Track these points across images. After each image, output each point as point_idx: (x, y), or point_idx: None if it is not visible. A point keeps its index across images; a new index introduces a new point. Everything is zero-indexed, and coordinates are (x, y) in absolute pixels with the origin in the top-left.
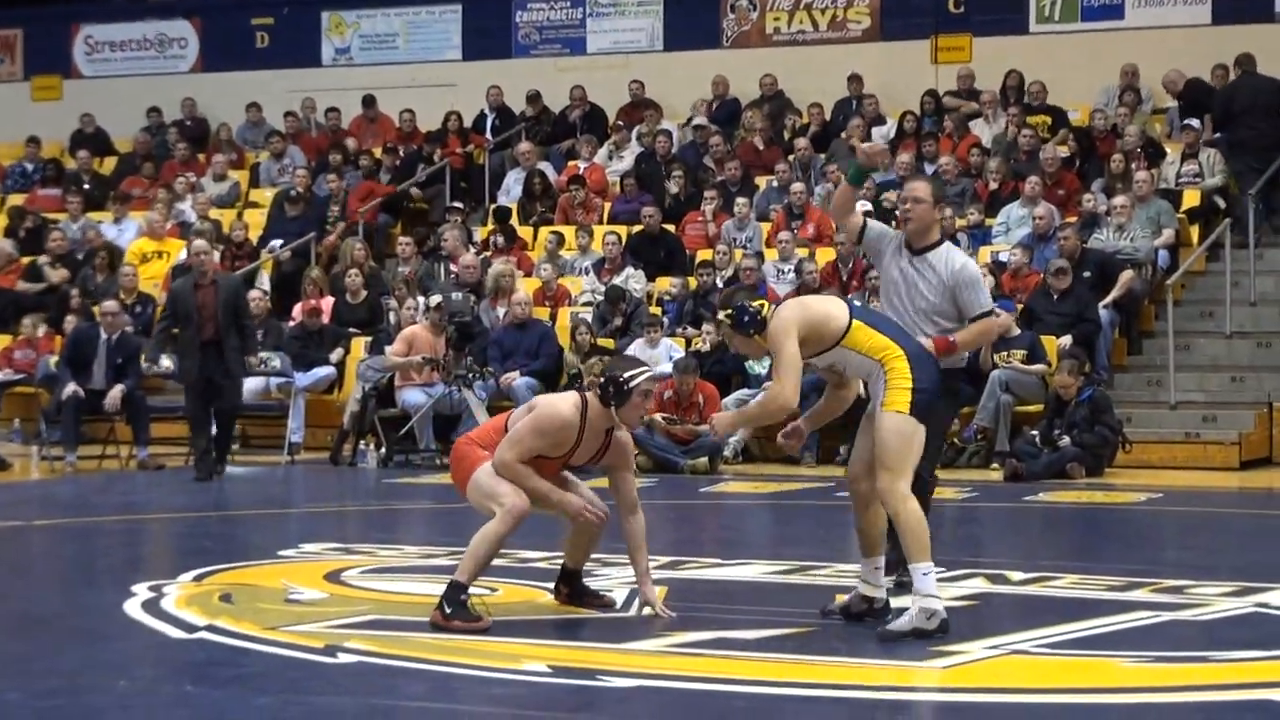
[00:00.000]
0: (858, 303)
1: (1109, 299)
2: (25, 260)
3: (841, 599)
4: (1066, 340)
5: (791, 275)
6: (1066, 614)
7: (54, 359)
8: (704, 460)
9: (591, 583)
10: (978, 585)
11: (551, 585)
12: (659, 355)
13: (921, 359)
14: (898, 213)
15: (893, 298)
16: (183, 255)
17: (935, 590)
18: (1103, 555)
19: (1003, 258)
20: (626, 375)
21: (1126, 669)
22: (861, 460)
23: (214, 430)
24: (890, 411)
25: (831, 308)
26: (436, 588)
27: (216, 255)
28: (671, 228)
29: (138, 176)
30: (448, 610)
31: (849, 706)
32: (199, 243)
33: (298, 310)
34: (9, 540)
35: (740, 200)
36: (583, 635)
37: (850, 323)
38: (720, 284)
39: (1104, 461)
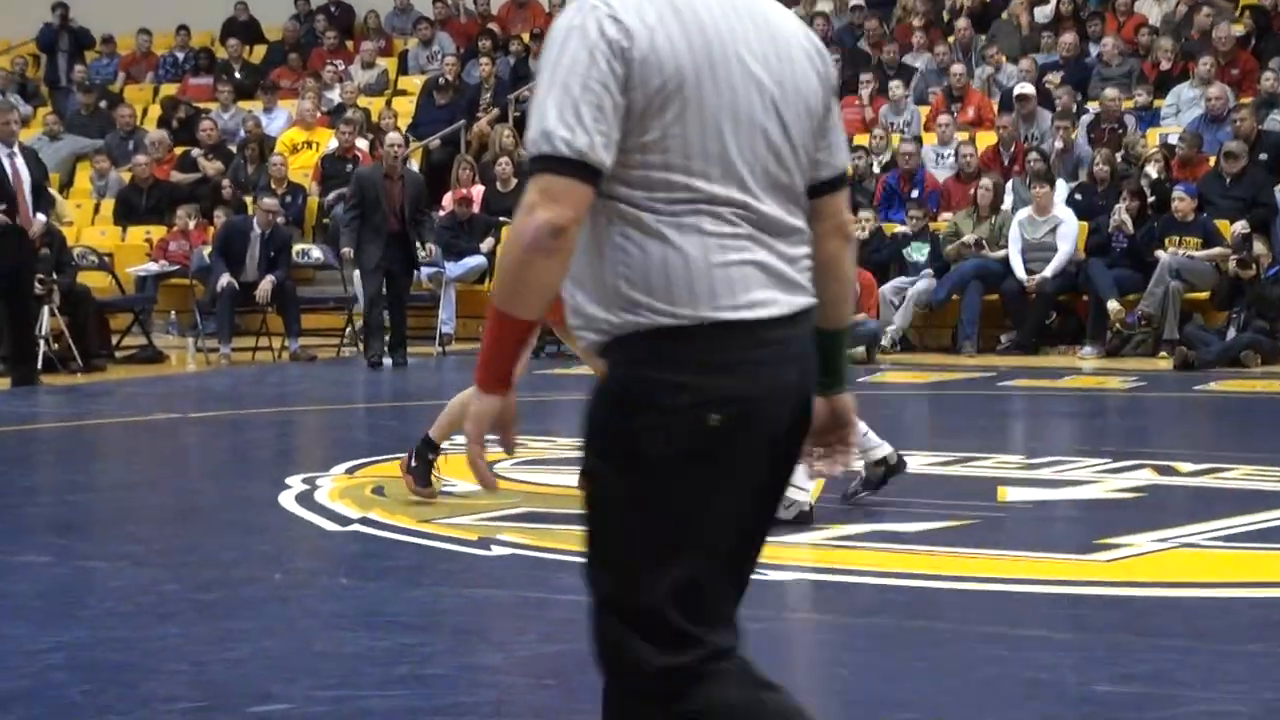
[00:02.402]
0: None
1: None
2: (178, 150)
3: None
4: (1241, 225)
5: (950, 160)
6: (1238, 506)
7: (207, 250)
8: (861, 349)
9: None
10: (1145, 477)
11: None
12: None
13: None
14: None
15: None
16: (332, 144)
17: (804, 483)
18: (1278, 446)
19: (1172, 140)
20: None
21: None
22: None
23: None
24: None
25: None
26: None
27: (365, 144)
28: None
29: (286, 66)
30: (412, 463)
31: (1010, 600)
32: (393, 135)
33: (448, 200)
34: (165, 433)
35: (897, 83)
36: None
37: None
38: (878, 168)
39: None
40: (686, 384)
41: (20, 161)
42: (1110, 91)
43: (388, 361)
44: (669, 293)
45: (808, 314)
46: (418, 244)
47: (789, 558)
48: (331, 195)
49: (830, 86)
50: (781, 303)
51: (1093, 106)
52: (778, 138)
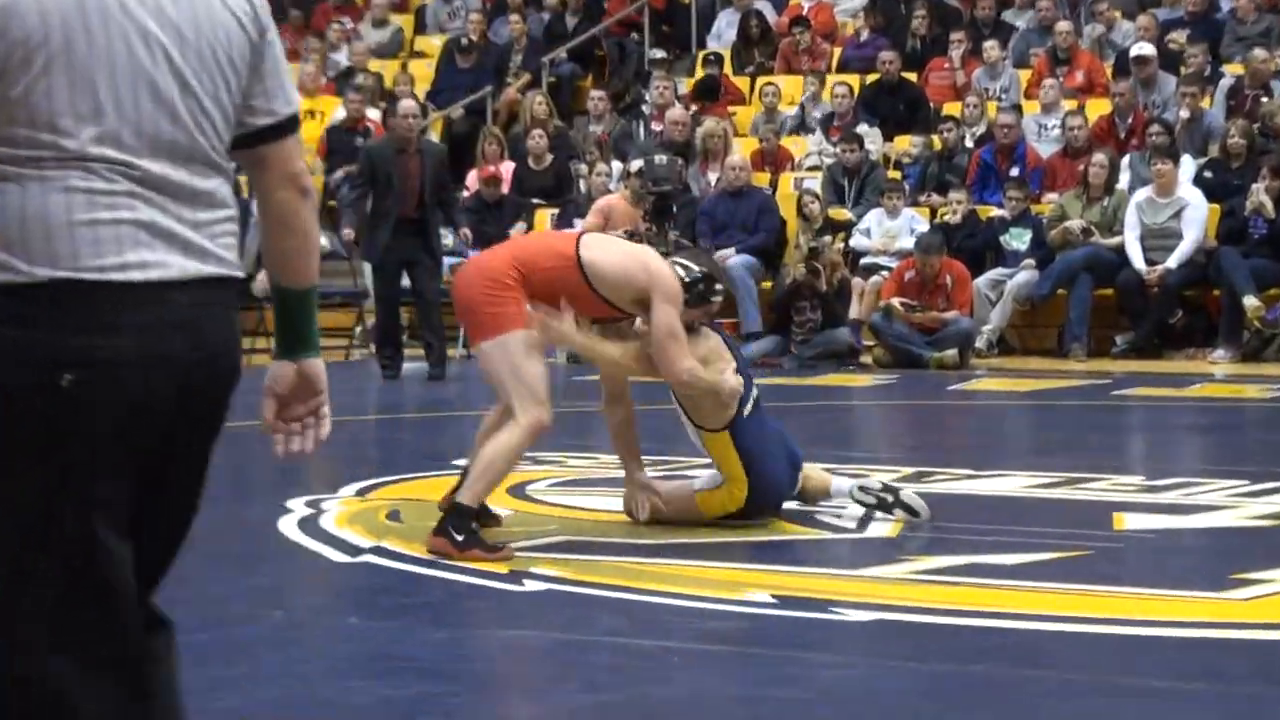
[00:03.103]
0: None
1: None
2: None
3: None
4: None
5: (1056, 131)
6: None
7: None
8: (952, 353)
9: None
10: None
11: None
12: (898, 228)
13: None
14: None
15: None
16: (338, 114)
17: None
18: None
19: None
20: (717, 284)
21: None
22: None
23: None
24: None
25: None
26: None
27: (377, 114)
28: (913, 76)
29: (285, 23)
30: (458, 537)
31: (1130, 646)
32: (407, 103)
33: (472, 178)
34: None
35: (993, 43)
36: (813, 559)
37: None
38: (970, 142)
39: None
40: (39, 341)
41: None
42: (1259, 52)
43: (414, 368)
44: (26, 249)
45: (215, 283)
46: (445, 227)
47: (869, 594)
48: (338, 173)
49: (259, 25)
50: (172, 267)
51: (1228, 70)
52: (171, 92)
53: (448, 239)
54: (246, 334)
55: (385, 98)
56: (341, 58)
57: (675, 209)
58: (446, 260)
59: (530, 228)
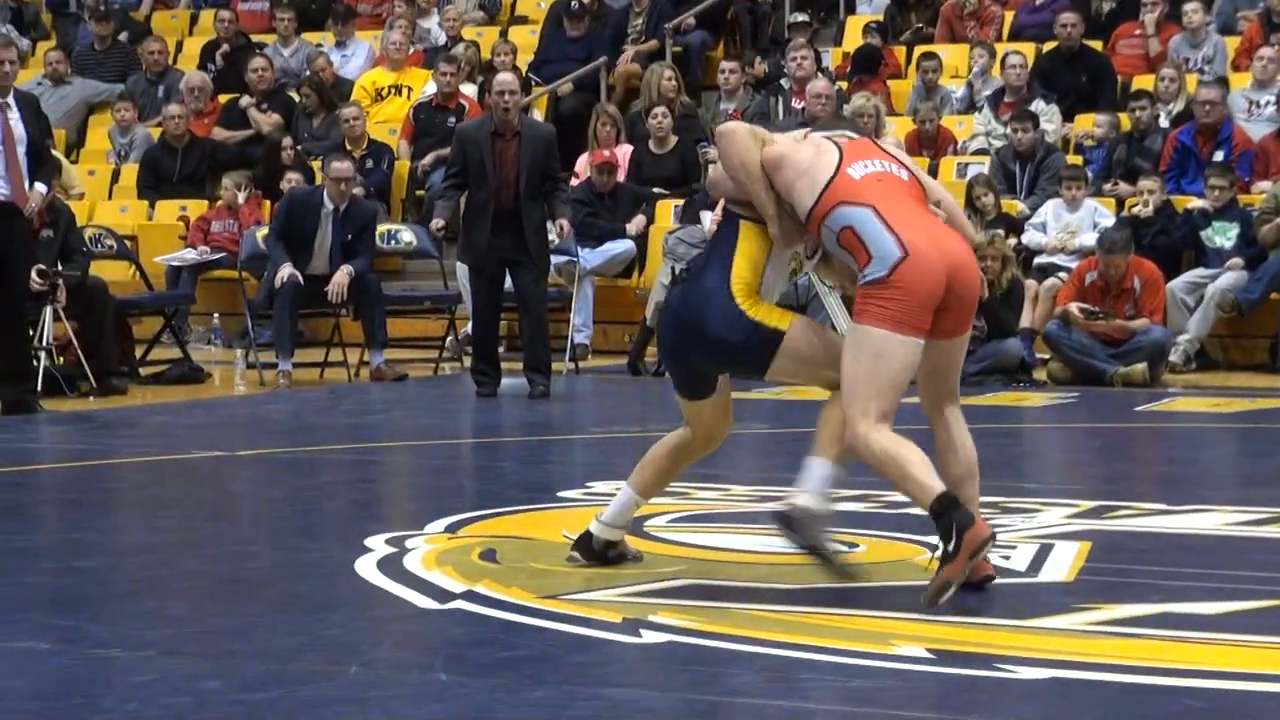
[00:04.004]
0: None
1: None
2: (223, 99)
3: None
4: None
5: (1270, 109)
6: None
7: (262, 233)
8: (1142, 367)
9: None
10: None
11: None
12: (1079, 222)
13: None
14: None
15: None
16: (429, 90)
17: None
18: None
19: None
20: None
21: None
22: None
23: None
24: None
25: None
26: (774, 540)
27: (473, 89)
28: (1098, 45)
29: None
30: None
31: None
32: (504, 77)
33: (583, 163)
34: (207, 476)
35: (1194, 5)
36: (974, 607)
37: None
38: (1166, 121)
39: None
40: None
41: (15, 115)
42: None
43: (514, 384)
44: None
45: None
46: (554, 219)
47: (1042, 648)
48: (428, 158)
49: None
50: None
51: None
52: None
53: (553, 235)
54: (320, 345)
55: (482, 70)
56: (431, 24)
57: None
58: (554, 259)
59: (650, 221)
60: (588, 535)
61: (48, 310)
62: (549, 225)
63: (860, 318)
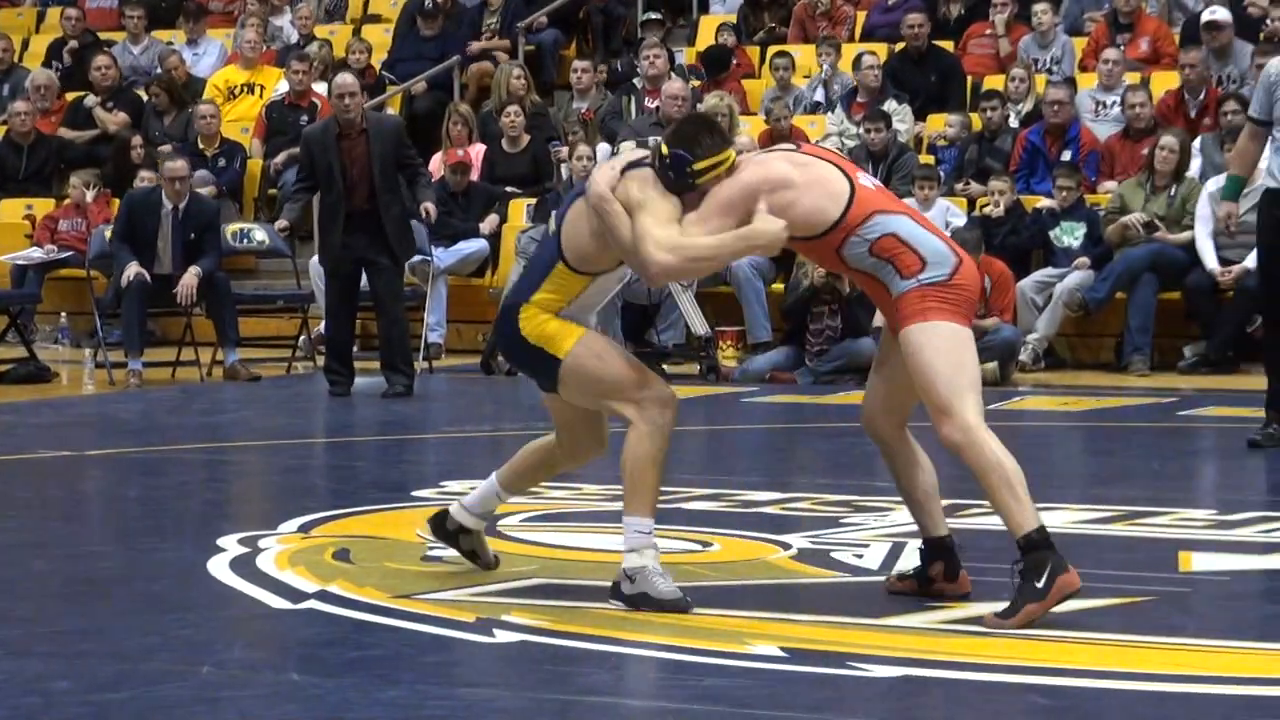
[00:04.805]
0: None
1: None
2: (70, 97)
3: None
4: None
5: (1115, 110)
6: None
7: (110, 231)
8: (992, 366)
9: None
10: None
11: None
12: (933, 220)
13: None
14: None
15: None
16: (281, 88)
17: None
18: None
19: None
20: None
21: None
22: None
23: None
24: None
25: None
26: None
27: (325, 87)
28: (949, 45)
29: None
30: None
31: (1201, 705)
32: (343, 78)
33: (436, 162)
34: (56, 476)
35: (1043, 7)
36: (827, 606)
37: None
38: (1016, 121)
39: None
40: None
41: None
42: None
43: (367, 383)
44: None
45: None
46: (417, 206)
47: (894, 647)
48: (281, 157)
49: None
50: None
51: None
52: None
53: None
54: (171, 344)
55: (335, 69)
56: (284, 22)
57: None
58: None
59: (503, 220)
60: (444, 514)
61: None
62: (419, 211)
63: (929, 315)
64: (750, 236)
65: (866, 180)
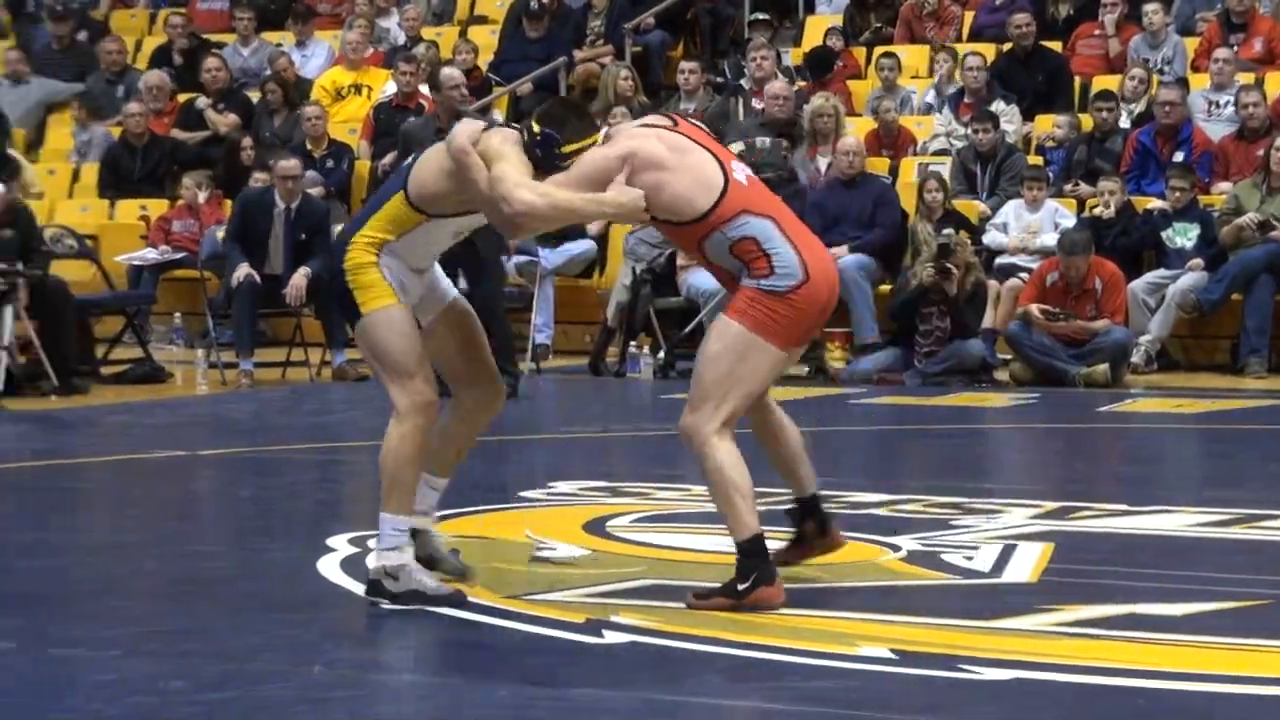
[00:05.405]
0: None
1: None
2: (183, 98)
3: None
4: None
5: (1229, 110)
6: None
7: (222, 232)
8: (1103, 368)
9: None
10: None
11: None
12: (1040, 222)
13: None
14: None
15: None
16: (388, 89)
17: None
18: None
19: None
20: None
21: None
22: None
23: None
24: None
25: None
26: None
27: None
28: (1057, 46)
29: None
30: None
31: None
32: (449, 72)
33: None
34: (168, 476)
35: (1153, 6)
36: (940, 608)
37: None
38: (1127, 122)
39: None
40: None
41: None
42: None
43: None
44: None
45: None
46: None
47: (1005, 649)
48: (388, 157)
49: None
50: None
51: None
52: None
53: None
54: (281, 344)
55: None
56: (391, 24)
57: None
58: (516, 259)
59: (611, 223)
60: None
61: (8, 309)
62: None
63: (743, 318)
64: (606, 202)
65: (740, 173)
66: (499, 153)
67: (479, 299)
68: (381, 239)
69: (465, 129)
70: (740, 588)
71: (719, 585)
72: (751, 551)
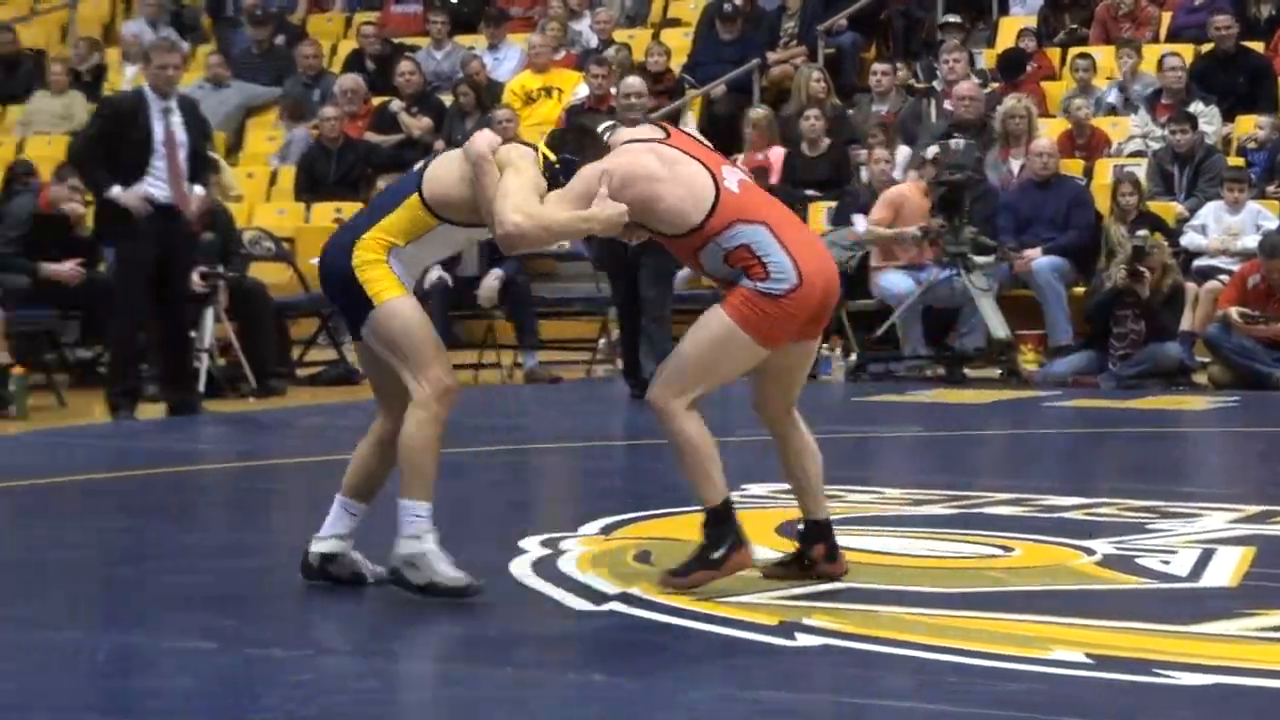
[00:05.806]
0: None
1: None
2: (377, 101)
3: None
4: None
5: None
6: None
7: None
8: None
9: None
10: None
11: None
12: (1241, 224)
13: None
14: None
15: None
16: (580, 92)
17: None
18: None
19: None
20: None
21: None
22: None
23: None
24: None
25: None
26: (928, 544)
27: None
28: (1259, 46)
29: None
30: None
31: None
32: (632, 80)
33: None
34: None
35: None
36: (1133, 612)
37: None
38: None
39: None
40: None
41: (177, 118)
42: None
43: None
44: None
45: None
46: None
47: (1204, 654)
48: None
49: None
50: None
51: None
52: None
53: None
54: (473, 346)
55: (638, 72)
56: (583, 26)
57: (969, 201)
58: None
59: (804, 222)
60: (305, 562)
61: (209, 312)
62: None
63: (732, 313)
64: (589, 218)
65: (732, 180)
66: (513, 165)
67: (654, 303)
68: (390, 242)
69: (484, 137)
70: (715, 556)
71: (689, 560)
72: (724, 516)
